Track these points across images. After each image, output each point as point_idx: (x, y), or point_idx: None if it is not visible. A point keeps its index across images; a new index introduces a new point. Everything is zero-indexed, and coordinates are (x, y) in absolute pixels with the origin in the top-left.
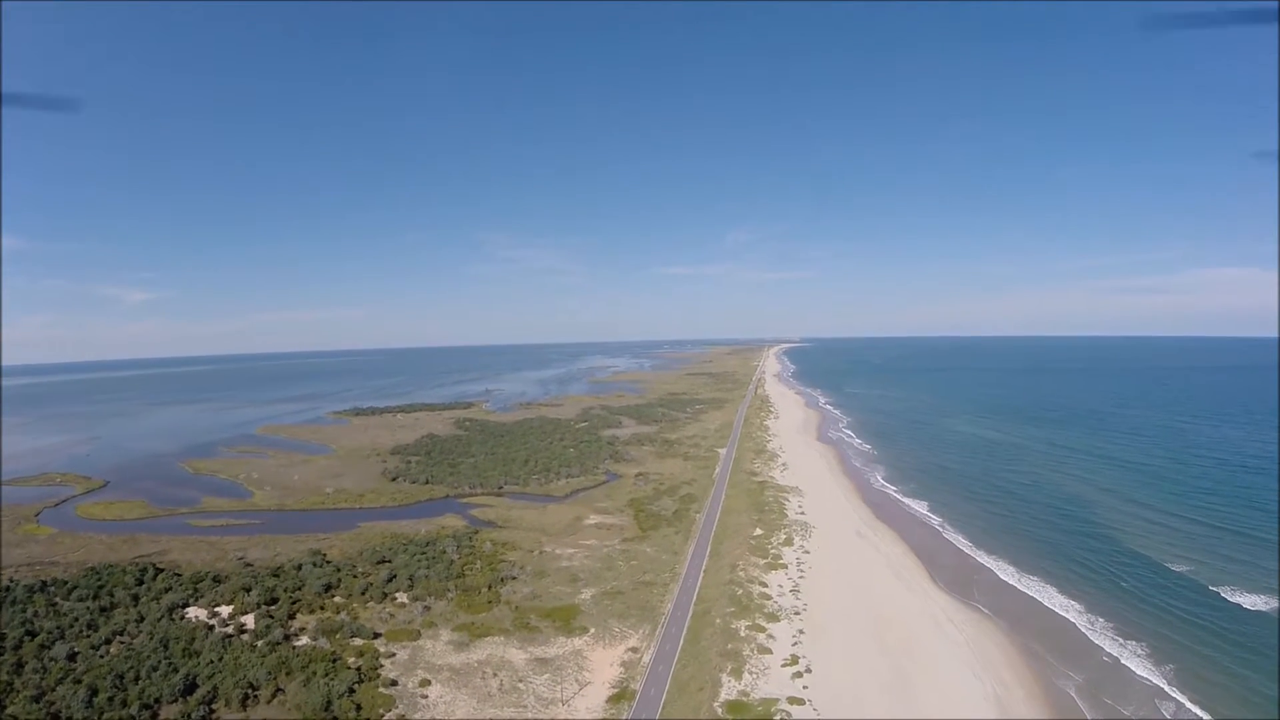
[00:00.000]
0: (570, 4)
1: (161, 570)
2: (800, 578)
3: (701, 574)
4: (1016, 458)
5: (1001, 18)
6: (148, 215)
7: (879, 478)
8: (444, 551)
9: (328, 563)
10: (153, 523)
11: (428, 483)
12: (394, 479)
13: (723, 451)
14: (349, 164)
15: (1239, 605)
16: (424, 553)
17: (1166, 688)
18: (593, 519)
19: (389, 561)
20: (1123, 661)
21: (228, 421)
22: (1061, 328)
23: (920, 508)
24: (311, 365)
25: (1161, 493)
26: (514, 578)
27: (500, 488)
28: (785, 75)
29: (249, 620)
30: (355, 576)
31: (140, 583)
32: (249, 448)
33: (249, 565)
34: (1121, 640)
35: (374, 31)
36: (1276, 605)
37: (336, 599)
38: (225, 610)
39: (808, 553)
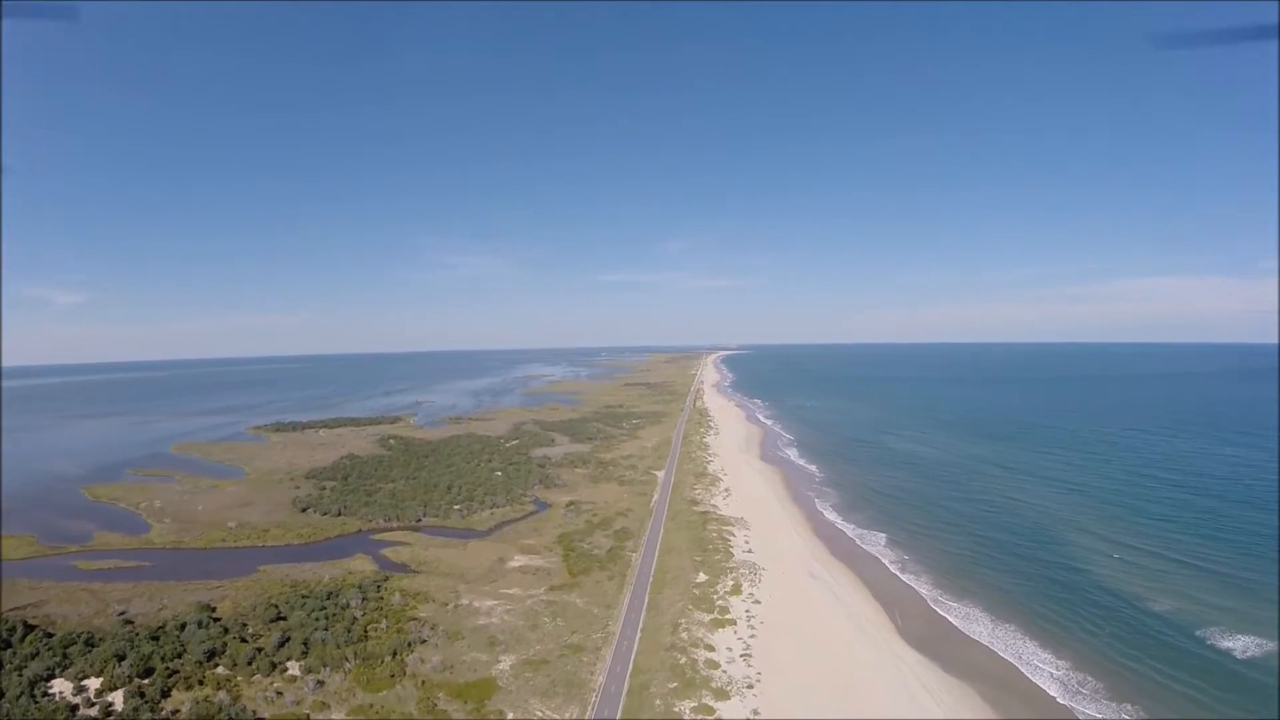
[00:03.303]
0: (507, 4)
1: (33, 628)
2: (751, 636)
3: (639, 634)
4: (966, 481)
5: (941, 22)
6: (78, 214)
7: (829, 505)
8: (347, 606)
9: (215, 621)
10: (38, 564)
11: (340, 514)
12: (304, 509)
13: (661, 474)
14: (281, 164)
15: (1229, 652)
16: (324, 608)
17: None
18: (517, 560)
19: (284, 619)
20: None
21: (143, 438)
22: (998, 334)
23: (876, 542)
24: (243, 372)
25: (1120, 522)
26: (423, 641)
27: (418, 520)
28: (718, 85)
29: (117, 699)
30: (244, 640)
31: (7, 645)
32: (158, 470)
33: (129, 623)
34: (1113, 705)
35: (303, 22)
36: (1268, 649)
37: (220, 669)
38: (94, 684)
39: (758, 603)
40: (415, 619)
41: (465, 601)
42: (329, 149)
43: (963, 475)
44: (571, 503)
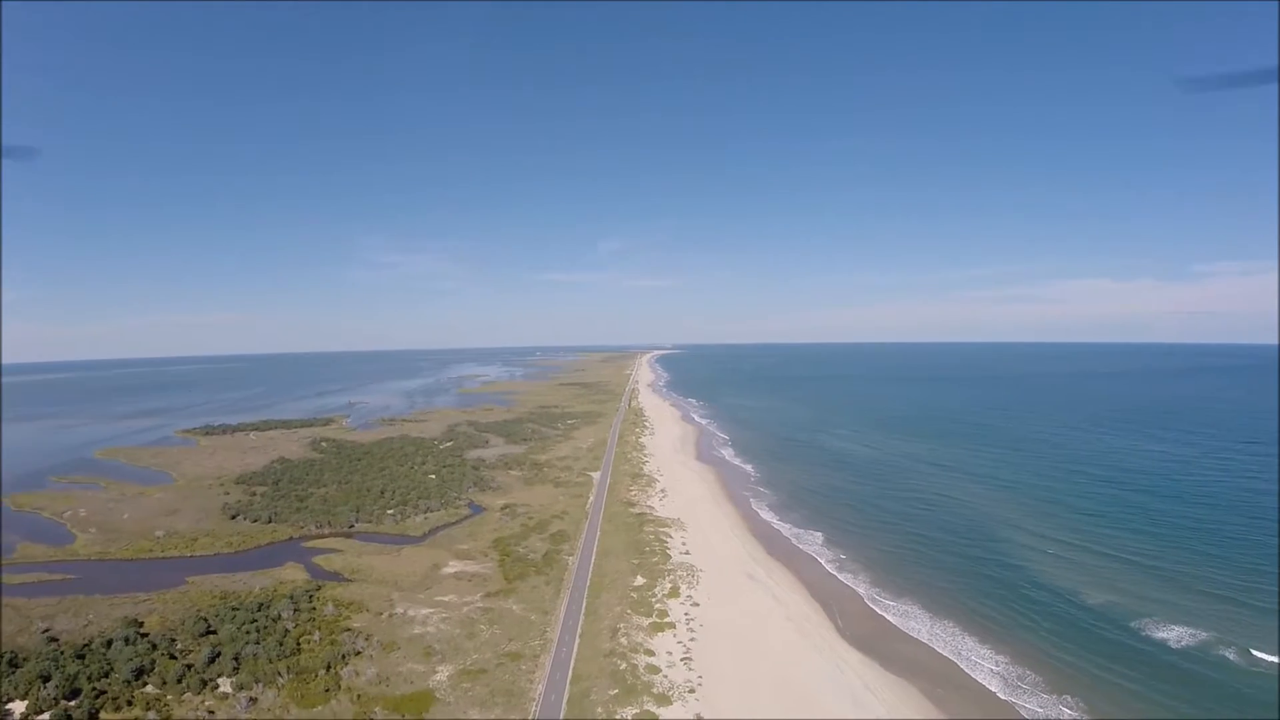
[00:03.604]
0: (443, 4)
1: None
2: (691, 640)
3: (577, 640)
4: (902, 479)
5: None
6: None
7: (765, 505)
8: (279, 617)
9: (143, 636)
10: None
11: (270, 521)
12: (234, 516)
13: (596, 475)
14: (210, 159)
15: (1164, 643)
16: (255, 620)
17: None
18: (452, 566)
19: (214, 633)
20: None
21: (66, 443)
22: (937, 334)
23: (813, 541)
24: (172, 373)
25: (1052, 518)
26: (358, 653)
27: (351, 526)
28: (654, 85)
29: None
30: (173, 657)
31: None
32: (83, 477)
33: (53, 641)
34: (1053, 698)
35: (244, 18)
36: (1201, 639)
37: (149, 688)
38: (19, 708)
39: (697, 605)
40: (349, 630)
41: (400, 610)
42: (261, 143)
43: (897, 473)
44: (507, 506)
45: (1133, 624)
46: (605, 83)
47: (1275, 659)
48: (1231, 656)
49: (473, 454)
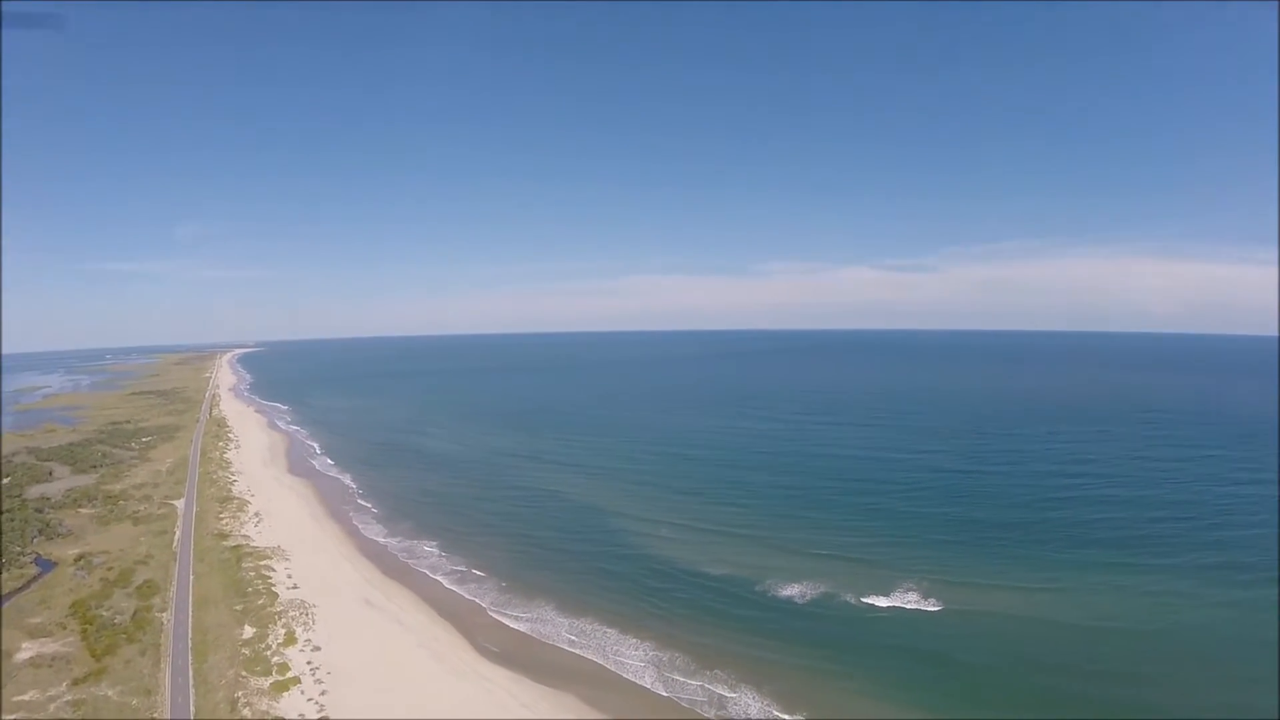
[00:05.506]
0: None
1: None
2: (322, 694)
3: None
4: (502, 477)
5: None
6: None
7: (369, 519)
8: None
9: None
10: None
11: None
12: None
13: (180, 504)
14: None
15: (790, 601)
16: None
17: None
18: (26, 649)
19: None
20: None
21: None
22: (526, 326)
23: (427, 555)
24: None
25: (656, 502)
26: None
27: None
28: (240, 54)
29: None
30: None
31: None
32: None
33: None
34: (706, 677)
35: None
36: (822, 591)
37: None
38: None
39: (318, 649)
40: None
41: None
42: None
43: (497, 471)
44: (81, 556)
45: (757, 590)
46: (186, 48)
47: (886, 602)
48: (851, 602)
49: (35, 491)
